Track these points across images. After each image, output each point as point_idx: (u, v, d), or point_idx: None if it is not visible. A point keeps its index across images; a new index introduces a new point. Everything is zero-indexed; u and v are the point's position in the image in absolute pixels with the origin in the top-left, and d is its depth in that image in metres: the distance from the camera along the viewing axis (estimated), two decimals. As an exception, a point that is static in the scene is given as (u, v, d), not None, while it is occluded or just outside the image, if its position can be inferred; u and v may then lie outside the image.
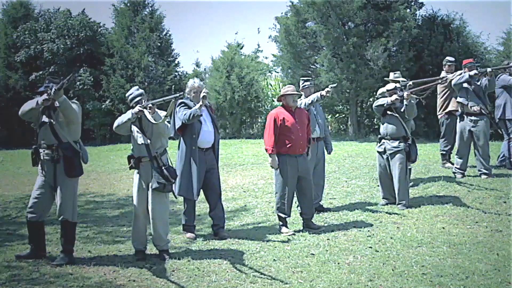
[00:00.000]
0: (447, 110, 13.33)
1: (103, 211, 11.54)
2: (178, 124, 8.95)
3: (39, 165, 7.89)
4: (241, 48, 27.65)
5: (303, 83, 10.69)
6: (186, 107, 8.93)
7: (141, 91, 8.18)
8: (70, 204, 7.86)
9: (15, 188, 14.13)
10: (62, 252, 7.89)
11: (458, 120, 12.39)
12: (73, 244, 8.04)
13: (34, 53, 26.42)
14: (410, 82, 10.57)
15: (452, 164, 13.16)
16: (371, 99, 22.55)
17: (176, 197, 8.69)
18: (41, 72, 25.88)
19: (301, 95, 10.60)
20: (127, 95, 8.27)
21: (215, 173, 9.24)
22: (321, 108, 10.88)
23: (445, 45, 21.22)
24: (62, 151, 7.77)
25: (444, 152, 13.63)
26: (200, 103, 8.66)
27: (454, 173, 12.53)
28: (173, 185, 8.22)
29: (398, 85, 10.74)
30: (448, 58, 13.39)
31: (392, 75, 11.80)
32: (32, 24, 27.21)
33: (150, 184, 7.92)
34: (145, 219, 8.10)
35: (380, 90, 11.96)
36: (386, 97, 10.72)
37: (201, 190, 9.21)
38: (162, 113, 7.91)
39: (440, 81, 11.81)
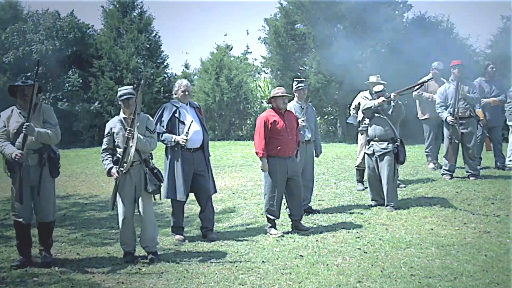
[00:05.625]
0: (424, 117, 13.56)
1: (92, 213, 11.51)
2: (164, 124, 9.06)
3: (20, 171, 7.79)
4: (230, 50, 27.67)
5: (296, 85, 10.67)
6: (167, 112, 9.13)
7: (131, 91, 8.10)
8: (52, 205, 8.02)
9: (3, 190, 14.06)
10: (44, 251, 8.02)
11: (445, 124, 12.43)
12: (52, 240, 8.22)
13: (23, 54, 26.23)
14: (393, 95, 10.56)
15: (434, 164, 13.40)
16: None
17: (160, 199, 8.65)
18: (29, 74, 25.72)
19: (293, 97, 10.63)
20: (119, 89, 8.23)
21: (205, 175, 9.24)
22: (312, 112, 10.88)
23: (433, 47, 21.19)
24: (47, 153, 7.83)
25: (428, 153, 13.87)
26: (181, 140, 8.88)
27: (442, 174, 12.63)
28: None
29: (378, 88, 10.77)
30: (436, 65, 13.38)
31: (372, 78, 11.82)
32: (20, 25, 27.03)
33: (144, 187, 7.98)
34: (132, 221, 8.11)
35: (356, 101, 12.06)
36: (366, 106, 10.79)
37: (192, 191, 9.24)
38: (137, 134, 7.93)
39: (419, 86, 11.79)
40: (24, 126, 7.53)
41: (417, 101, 13.85)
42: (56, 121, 8.05)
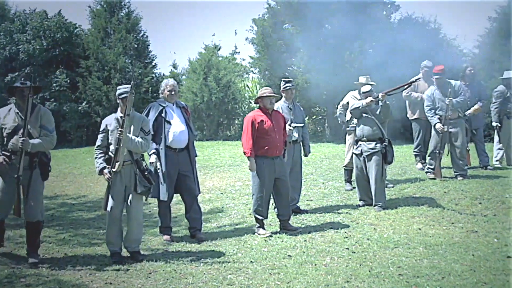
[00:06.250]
0: (414, 117, 13.62)
1: (80, 213, 11.48)
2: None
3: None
4: (218, 50, 27.62)
5: (284, 85, 10.64)
6: (153, 112, 9.08)
7: (127, 89, 8.03)
8: (41, 205, 8.02)
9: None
10: (32, 251, 8.00)
11: (433, 129, 12.53)
12: (39, 241, 8.20)
13: (10, 54, 26.09)
14: (381, 95, 10.59)
15: (422, 164, 13.63)
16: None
17: (146, 199, 8.64)
18: (16, 74, 25.59)
19: (281, 97, 10.64)
20: (118, 88, 8.23)
21: (190, 175, 9.22)
22: (300, 112, 10.86)
23: (421, 47, 21.19)
24: (39, 157, 7.85)
25: (416, 153, 13.94)
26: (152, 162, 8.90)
27: (426, 172, 12.68)
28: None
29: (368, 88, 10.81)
30: (426, 63, 13.42)
31: (362, 79, 11.86)
32: (7, 25, 26.89)
33: (135, 188, 7.99)
34: (121, 221, 8.11)
35: (345, 100, 12.04)
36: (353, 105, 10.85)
37: (178, 192, 9.22)
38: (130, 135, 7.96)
39: (407, 86, 11.83)
40: (20, 141, 7.55)
41: (407, 101, 13.89)
42: (53, 126, 8.05)
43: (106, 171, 7.93)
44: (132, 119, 7.96)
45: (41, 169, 7.91)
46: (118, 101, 8.12)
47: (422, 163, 13.92)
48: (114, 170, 7.86)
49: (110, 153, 8.05)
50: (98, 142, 8.17)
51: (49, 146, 7.93)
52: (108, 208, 8.03)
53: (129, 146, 7.88)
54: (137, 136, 8.00)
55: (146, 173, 8.10)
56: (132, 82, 8.06)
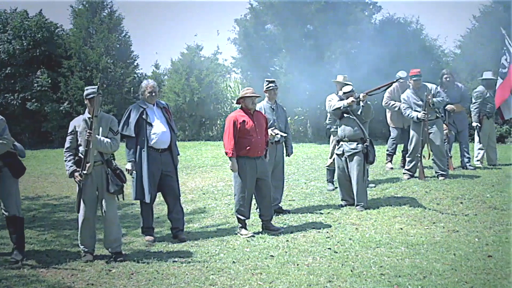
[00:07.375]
0: (392, 125, 13.74)
1: (61, 214, 11.43)
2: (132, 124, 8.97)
3: None
4: (201, 50, 27.58)
5: (267, 85, 10.64)
6: (134, 114, 9.04)
7: (94, 90, 8.01)
8: (15, 200, 7.99)
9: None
10: (16, 249, 7.96)
11: (411, 125, 12.61)
12: (24, 239, 8.17)
13: (-9, 54, 25.96)
14: (362, 95, 10.59)
15: (392, 164, 14.01)
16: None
17: (123, 199, 8.62)
18: (-3, 74, 25.51)
19: (265, 97, 10.64)
20: (86, 88, 8.20)
21: (173, 175, 9.21)
22: (283, 112, 10.85)
23: (403, 48, 21.27)
24: (2, 160, 7.83)
25: (388, 153, 14.07)
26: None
27: (403, 173, 12.76)
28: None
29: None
30: (400, 74, 13.38)
31: (339, 77, 11.90)
32: (-13, 25, 26.74)
33: (107, 188, 7.97)
34: (94, 222, 8.17)
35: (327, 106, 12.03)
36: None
37: (160, 192, 9.21)
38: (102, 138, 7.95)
39: (388, 86, 11.87)
40: None
41: (386, 110, 13.99)
42: (2, 127, 7.87)
43: (77, 174, 7.91)
44: (100, 120, 7.96)
45: (11, 170, 7.90)
46: (85, 102, 8.09)
47: (392, 163, 14.14)
48: (85, 172, 7.85)
49: (80, 155, 8.03)
50: (67, 144, 8.14)
51: (4, 148, 7.82)
52: (81, 210, 8.02)
53: (98, 147, 7.87)
54: (106, 137, 8.00)
55: (117, 171, 8.09)
56: (99, 82, 8.05)
